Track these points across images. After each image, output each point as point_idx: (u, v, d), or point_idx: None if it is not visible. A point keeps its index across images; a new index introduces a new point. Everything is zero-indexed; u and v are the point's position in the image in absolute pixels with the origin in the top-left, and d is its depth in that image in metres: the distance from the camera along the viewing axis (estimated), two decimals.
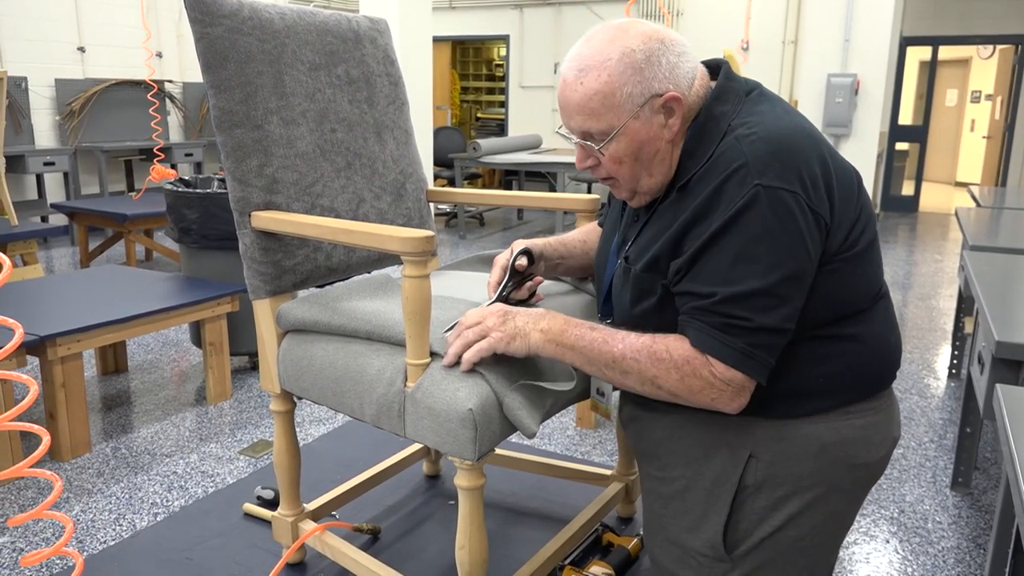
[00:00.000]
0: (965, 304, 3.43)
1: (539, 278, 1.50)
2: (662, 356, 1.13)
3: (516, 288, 1.44)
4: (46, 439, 1.30)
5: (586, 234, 1.58)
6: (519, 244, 1.45)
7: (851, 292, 1.17)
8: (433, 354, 1.34)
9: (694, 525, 1.23)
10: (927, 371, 3.75)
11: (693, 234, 1.12)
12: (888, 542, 2.24)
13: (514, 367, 1.32)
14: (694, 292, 1.12)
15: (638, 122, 1.15)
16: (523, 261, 1.43)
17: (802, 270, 1.09)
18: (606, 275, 1.35)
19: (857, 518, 2.36)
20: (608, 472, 2.03)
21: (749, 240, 1.07)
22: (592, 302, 1.58)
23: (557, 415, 3.08)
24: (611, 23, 1.17)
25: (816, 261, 1.11)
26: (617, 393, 1.38)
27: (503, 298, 1.40)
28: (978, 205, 3.99)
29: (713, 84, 1.21)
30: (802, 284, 1.10)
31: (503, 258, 1.45)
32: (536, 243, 1.49)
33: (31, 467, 1.31)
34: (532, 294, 1.48)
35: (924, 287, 5.53)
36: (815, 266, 1.11)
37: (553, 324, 1.23)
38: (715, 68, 1.23)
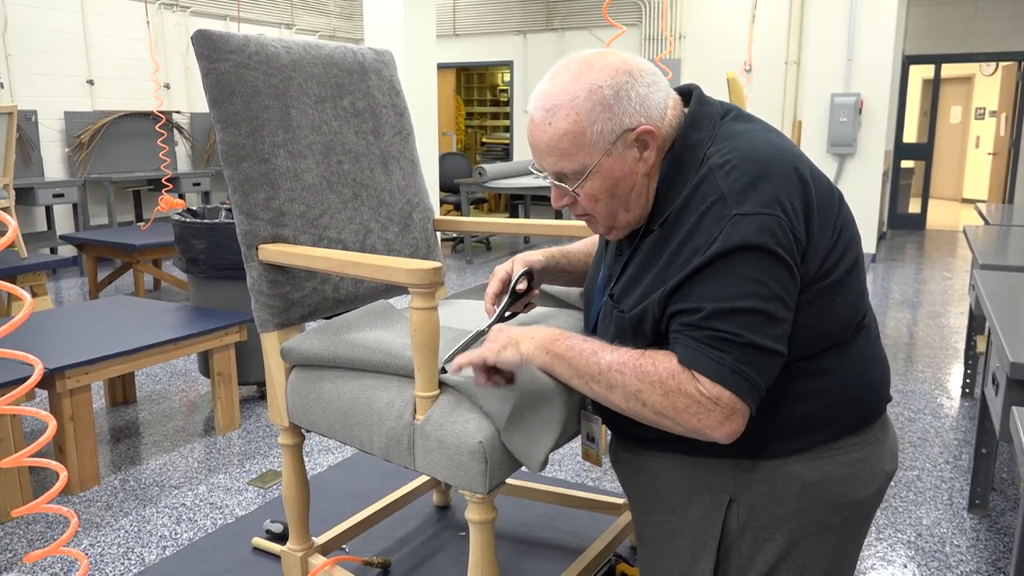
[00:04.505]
0: (976, 322, 3.40)
1: (535, 292, 1.49)
2: (647, 369, 1.09)
3: (513, 304, 1.45)
4: (63, 475, 1.29)
5: (591, 246, 1.55)
6: (520, 260, 1.44)
7: (830, 322, 1.13)
8: (442, 384, 1.34)
9: (684, 572, 1.21)
10: (940, 391, 3.71)
11: (675, 267, 1.10)
12: (906, 567, 2.21)
13: (516, 407, 1.30)
14: (682, 309, 1.09)
15: (611, 159, 1.12)
16: (523, 285, 1.44)
17: (787, 291, 1.07)
18: (593, 310, 1.33)
19: (873, 542, 2.32)
20: (620, 501, 2.01)
21: (733, 266, 1.05)
22: (580, 317, 1.57)
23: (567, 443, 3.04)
24: (576, 58, 1.14)
25: (799, 281, 1.09)
26: (610, 434, 1.37)
27: (501, 317, 1.41)
28: (986, 223, 3.98)
29: (687, 111, 1.18)
30: (788, 305, 1.07)
31: (502, 270, 1.45)
32: (537, 260, 1.47)
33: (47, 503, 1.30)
34: (526, 306, 1.49)
35: (934, 305, 5.50)
36: (799, 287, 1.09)
37: (546, 333, 1.21)
38: (687, 94, 1.21)
